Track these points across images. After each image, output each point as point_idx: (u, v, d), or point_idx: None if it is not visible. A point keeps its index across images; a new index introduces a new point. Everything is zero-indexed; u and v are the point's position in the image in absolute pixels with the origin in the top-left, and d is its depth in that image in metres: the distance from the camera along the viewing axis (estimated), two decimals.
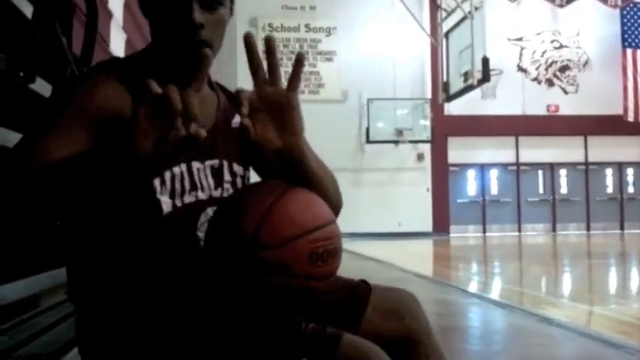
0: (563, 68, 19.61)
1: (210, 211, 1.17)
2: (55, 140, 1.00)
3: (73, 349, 1.56)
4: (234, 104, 1.24)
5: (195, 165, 1.16)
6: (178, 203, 1.12)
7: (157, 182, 1.10)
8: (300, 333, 1.08)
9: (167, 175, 1.11)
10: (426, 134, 17.98)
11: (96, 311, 1.08)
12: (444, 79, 16.61)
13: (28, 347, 1.65)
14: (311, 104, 18.14)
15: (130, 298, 1.06)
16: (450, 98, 16.59)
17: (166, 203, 1.11)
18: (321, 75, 18.51)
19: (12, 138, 2.06)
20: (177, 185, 1.12)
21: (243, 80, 15.34)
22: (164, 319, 1.06)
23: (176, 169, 1.13)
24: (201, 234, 1.15)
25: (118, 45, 4.09)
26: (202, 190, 1.17)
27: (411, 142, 18.15)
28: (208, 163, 1.19)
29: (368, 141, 17.97)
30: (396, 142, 18.14)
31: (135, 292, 1.06)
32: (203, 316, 1.06)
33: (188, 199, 1.14)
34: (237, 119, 1.22)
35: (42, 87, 2.30)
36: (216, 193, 1.20)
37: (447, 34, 16.54)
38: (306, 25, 18.62)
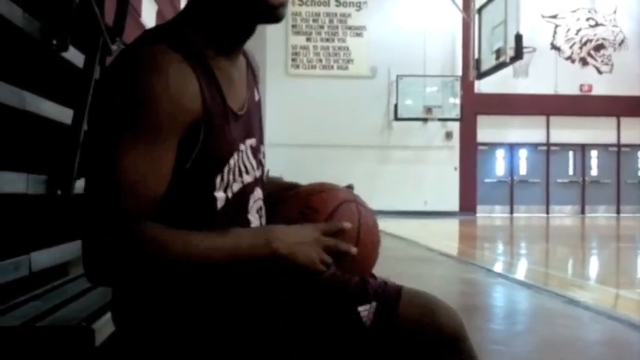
0: (598, 47, 19.17)
1: (256, 192, 1.17)
2: (157, 176, 0.99)
3: (103, 316, 1.58)
4: (251, 70, 1.24)
5: (242, 147, 1.13)
6: (229, 194, 1.10)
7: (218, 179, 1.08)
8: (366, 284, 1.09)
9: (226, 169, 1.09)
10: (455, 112, 17.79)
11: (135, 284, 1.07)
12: (476, 56, 16.37)
13: (60, 313, 1.68)
14: (339, 80, 18.06)
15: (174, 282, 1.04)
16: (481, 76, 16.36)
17: (220, 199, 1.09)
18: (350, 50, 18.36)
19: (44, 106, 2.09)
20: (231, 176, 1.10)
21: (270, 55, 15.16)
22: (209, 292, 1.05)
23: (232, 161, 1.10)
24: (252, 217, 1.15)
25: (149, 16, 4.10)
26: (247, 172, 1.14)
27: (439, 120, 17.98)
28: (248, 142, 1.15)
29: (396, 118, 17.84)
30: (424, 120, 17.99)
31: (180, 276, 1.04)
32: (256, 283, 1.07)
33: (237, 186, 1.11)
34: (256, 94, 1.23)
35: (74, 56, 2.32)
36: (258, 173, 1.18)
37: (479, 10, 16.25)
38: None
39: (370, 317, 1.02)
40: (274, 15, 1.08)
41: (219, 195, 1.08)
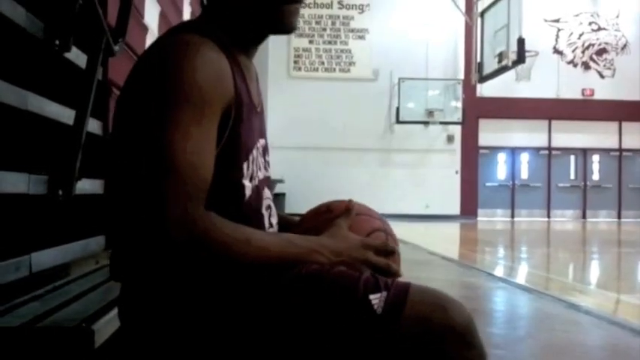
0: (601, 51, 19.17)
1: (266, 190, 1.19)
2: (210, 159, 0.99)
3: (103, 317, 1.58)
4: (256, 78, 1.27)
5: (258, 144, 1.16)
6: (254, 185, 1.13)
7: (245, 167, 1.10)
8: (376, 276, 1.09)
9: (250, 158, 1.11)
10: (457, 116, 17.78)
11: (144, 282, 1.07)
12: (478, 60, 16.35)
13: (60, 313, 1.68)
14: (341, 82, 18.06)
15: (183, 274, 1.03)
16: (483, 79, 16.34)
17: (248, 188, 1.10)
18: (352, 53, 18.36)
19: (46, 106, 2.09)
20: (254, 167, 1.13)
21: (273, 57, 15.12)
22: (217, 290, 1.05)
23: (254, 152, 1.13)
24: (265, 213, 1.17)
25: (152, 17, 4.10)
26: (260, 170, 1.17)
27: (441, 123, 17.97)
28: (261, 142, 1.19)
29: (398, 121, 17.84)
30: (426, 123, 17.99)
31: (188, 267, 1.03)
32: (261, 284, 1.06)
33: (257, 180, 1.14)
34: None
35: (77, 56, 2.32)
36: (266, 173, 1.21)
37: (482, 14, 16.24)
38: (339, 2, 18.44)
39: (381, 305, 1.02)
40: (288, 26, 1.14)
41: (247, 184, 1.10)
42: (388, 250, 1.16)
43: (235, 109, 1.05)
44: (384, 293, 1.04)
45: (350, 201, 1.22)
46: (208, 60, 1.00)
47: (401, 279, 1.13)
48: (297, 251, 1.06)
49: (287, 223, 1.30)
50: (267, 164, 1.22)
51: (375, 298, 1.03)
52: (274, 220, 1.22)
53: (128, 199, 0.99)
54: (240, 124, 1.07)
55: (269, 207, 1.21)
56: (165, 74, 0.99)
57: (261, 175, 1.17)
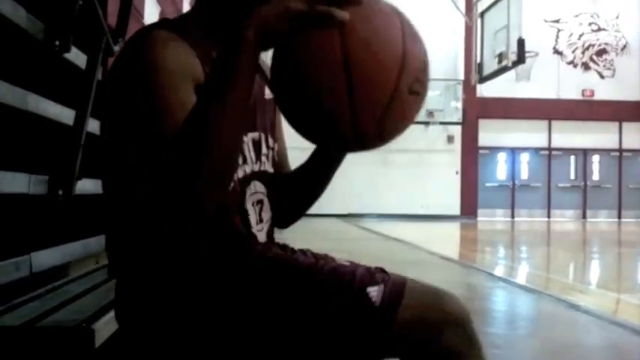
0: (600, 52, 19.18)
1: (253, 185, 1.17)
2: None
3: (103, 317, 1.58)
4: (261, 72, 1.25)
5: (244, 138, 1.15)
6: (235, 178, 1.11)
7: None
8: (370, 270, 1.09)
9: None
10: (457, 116, 17.80)
11: (139, 282, 1.08)
12: (478, 60, 16.35)
13: (60, 313, 1.68)
14: None
15: (177, 272, 1.05)
16: (483, 80, 16.34)
17: None
18: None
19: (46, 107, 2.09)
20: None
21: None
22: (211, 293, 1.05)
23: None
24: (248, 207, 1.15)
25: (152, 17, 4.11)
26: (246, 163, 1.16)
27: (441, 123, 17.99)
28: (250, 135, 1.17)
29: None
30: (426, 124, 17.98)
31: (182, 265, 1.05)
32: (253, 287, 1.06)
33: (241, 173, 1.13)
34: (269, 92, 1.23)
35: (77, 56, 2.32)
36: (256, 167, 1.19)
37: (482, 14, 16.24)
38: None
39: (380, 297, 1.03)
40: None
41: None
42: None
43: None
44: (382, 286, 1.05)
45: None
46: (173, 49, 1.02)
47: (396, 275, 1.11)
48: (226, 65, 0.94)
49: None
50: (261, 157, 1.20)
51: (374, 291, 1.04)
52: (266, 215, 1.21)
53: (122, 182, 1.01)
54: None
55: (260, 202, 1.19)
56: (130, 66, 1.01)
57: (248, 169, 1.16)
